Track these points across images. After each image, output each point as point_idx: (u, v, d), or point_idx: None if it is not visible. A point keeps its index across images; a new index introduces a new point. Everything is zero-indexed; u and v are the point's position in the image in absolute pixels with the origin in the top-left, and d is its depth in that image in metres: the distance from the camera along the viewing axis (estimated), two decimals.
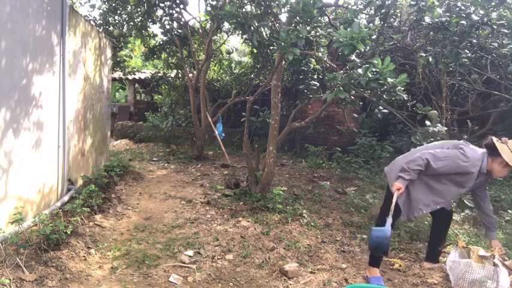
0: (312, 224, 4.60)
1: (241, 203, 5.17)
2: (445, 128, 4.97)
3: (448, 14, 4.65)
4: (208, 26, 8.26)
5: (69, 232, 3.50)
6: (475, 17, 4.53)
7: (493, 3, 4.66)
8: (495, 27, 4.79)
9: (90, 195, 4.50)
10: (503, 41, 5.94)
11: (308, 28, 4.69)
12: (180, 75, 10.64)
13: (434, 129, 4.73)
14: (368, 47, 4.45)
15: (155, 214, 4.87)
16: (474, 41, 5.49)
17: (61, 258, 3.26)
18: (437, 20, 4.55)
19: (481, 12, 4.72)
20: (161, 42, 9.80)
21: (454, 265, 3.13)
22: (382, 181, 6.61)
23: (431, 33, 4.93)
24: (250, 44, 8.53)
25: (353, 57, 5.05)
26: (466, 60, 4.76)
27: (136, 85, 14.32)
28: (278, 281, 3.36)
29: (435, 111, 5.35)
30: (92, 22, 7.71)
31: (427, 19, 4.62)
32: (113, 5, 8.73)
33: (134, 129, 11.34)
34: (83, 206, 4.16)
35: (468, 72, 6.51)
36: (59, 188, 4.63)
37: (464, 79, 6.76)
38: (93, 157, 5.96)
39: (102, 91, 6.31)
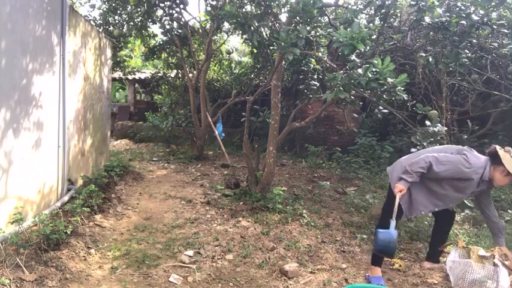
0: (312, 224, 4.60)
1: (241, 203, 5.17)
2: (445, 128, 4.97)
3: (448, 14, 4.65)
4: (208, 26, 8.26)
5: (69, 232, 3.50)
6: (475, 17, 4.53)
7: (493, 3, 4.66)
8: (495, 27, 4.78)
9: (90, 195, 4.50)
10: (503, 41, 5.93)
11: (308, 28, 4.69)
12: (180, 75, 10.64)
13: (434, 129, 4.73)
14: (368, 47, 4.45)
15: (155, 214, 4.87)
16: (474, 41, 5.49)
17: (61, 258, 3.26)
18: (437, 20, 4.54)
19: (481, 12, 4.72)
20: (161, 42, 9.80)
21: (454, 265, 3.13)
22: (382, 181, 6.61)
23: (431, 33, 4.93)
24: (250, 44, 8.54)
25: (353, 57, 5.05)
26: (466, 60, 4.75)
27: (136, 85, 14.31)
28: (278, 281, 3.36)
29: (435, 111, 5.36)
30: (92, 22, 7.71)
31: (427, 19, 4.62)
32: (113, 5, 8.73)
33: (134, 129, 11.34)
34: (83, 206, 4.16)
35: (468, 72, 6.51)
36: (59, 188, 4.63)
37: (464, 79, 6.76)
38: (93, 157, 5.96)
39: (102, 91, 6.31)
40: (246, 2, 5.29)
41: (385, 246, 2.97)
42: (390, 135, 8.35)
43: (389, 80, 3.83)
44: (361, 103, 7.73)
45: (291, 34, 4.04)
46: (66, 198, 4.67)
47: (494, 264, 3.01)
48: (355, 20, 4.04)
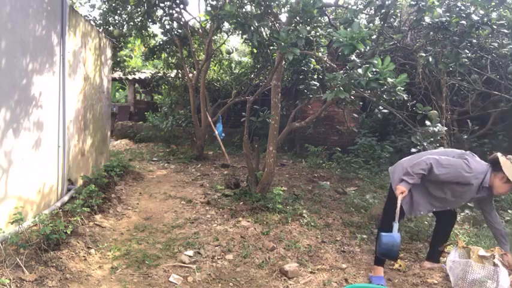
0: (312, 224, 4.60)
1: (241, 203, 5.17)
2: (445, 128, 4.97)
3: (448, 14, 4.65)
4: (208, 26, 8.26)
5: (69, 232, 3.50)
6: (475, 17, 4.52)
7: (493, 3, 4.66)
8: (495, 27, 4.78)
9: (90, 195, 4.50)
10: (503, 41, 5.93)
11: (308, 28, 4.69)
12: (180, 75, 10.64)
13: (434, 129, 4.73)
14: (368, 47, 4.45)
15: (155, 214, 4.87)
16: (474, 41, 5.48)
17: (61, 258, 3.26)
18: (437, 20, 4.54)
19: (481, 12, 4.71)
20: (161, 42, 9.79)
21: (454, 265, 3.13)
22: (382, 181, 6.61)
23: (431, 33, 4.93)
24: (250, 44, 8.53)
25: (353, 57, 5.05)
26: (466, 60, 4.75)
27: (136, 85, 14.31)
28: (278, 281, 3.36)
29: (435, 111, 5.36)
30: (92, 22, 7.71)
31: (427, 19, 4.62)
32: (113, 5, 8.73)
33: (134, 129, 11.34)
34: (83, 206, 4.16)
35: (468, 72, 6.51)
36: (59, 188, 4.63)
37: (464, 79, 6.75)
38: (93, 157, 5.96)
39: (102, 91, 6.31)
40: (246, 2, 5.29)
41: (388, 250, 2.96)
42: (390, 135, 8.35)
43: (390, 80, 3.83)
44: (361, 103, 7.74)
45: (291, 34, 4.04)
46: (66, 198, 4.67)
47: (494, 264, 3.00)
48: (355, 20, 4.04)
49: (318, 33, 5.79)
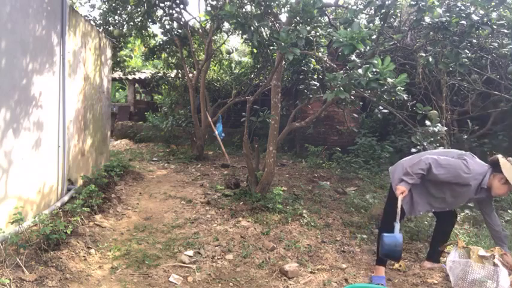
0: (312, 224, 4.60)
1: (241, 203, 5.17)
2: (445, 128, 4.97)
3: (448, 14, 4.65)
4: (208, 26, 8.26)
5: (69, 232, 3.50)
6: (475, 17, 4.52)
7: (493, 3, 4.66)
8: (495, 27, 4.78)
9: (90, 195, 4.50)
10: (503, 41, 5.93)
11: (308, 28, 4.69)
12: (180, 75, 10.64)
13: (434, 129, 4.73)
14: (368, 47, 4.45)
15: (155, 214, 4.87)
16: (474, 41, 5.48)
17: (61, 258, 3.26)
18: (437, 20, 4.54)
19: (481, 12, 4.71)
20: (161, 42, 9.79)
21: (454, 265, 3.13)
22: (382, 181, 6.61)
23: (431, 33, 4.93)
24: (250, 44, 8.53)
25: (353, 57, 5.05)
26: (466, 60, 4.75)
27: (136, 85, 14.31)
28: (278, 281, 3.36)
29: (435, 111, 5.36)
30: (92, 22, 7.71)
31: (427, 19, 4.62)
32: (113, 5, 8.72)
33: (134, 129, 11.34)
34: (83, 206, 4.16)
35: (468, 72, 6.51)
36: (59, 188, 4.63)
37: (464, 79, 6.75)
38: (93, 157, 5.96)
39: (102, 91, 6.31)
40: (246, 2, 5.29)
41: (391, 251, 2.96)
42: (390, 135, 8.35)
43: (390, 80, 3.83)
44: (361, 103, 7.74)
45: (291, 34, 4.04)
46: (66, 198, 4.67)
47: (494, 264, 3.00)
48: (355, 20, 4.04)
49: (318, 33, 5.79)
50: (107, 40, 6.51)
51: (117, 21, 9.18)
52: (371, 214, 4.89)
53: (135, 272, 3.36)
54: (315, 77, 6.96)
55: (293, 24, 4.69)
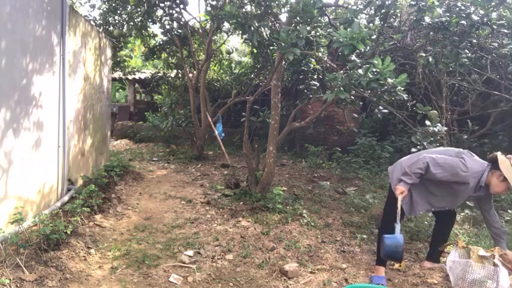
0: (312, 224, 4.60)
1: (241, 203, 5.17)
2: (445, 128, 4.97)
3: (448, 14, 4.65)
4: (208, 26, 8.26)
5: (69, 232, 3.50)
6: (475, 17, 4.52)
7: (493, 3, 4.66)
8: (495, 27, 4.78)
9: (90, 195, 4.50)
10: (503, 41, 5.93)
11: (308, 28, 4.69)
12: (180, 75, 10.64)
13: (434, 129, 4.73)
14: (368, 47, 4.45)
15: (155, 214, 4.87)
16: (474, 41, 5.48)
17: (61, 258, 3.26)
18: (437, 20, 4.54)
19: (481, 12, 4.71)
20: (161, 42, 9.79)
21: (454, 265, 3.13)
22: (382, 181, 6.61)
23: (431, 33, 4.93)
24: (250, 44, 8.53)
25: (353, 57, 5.05)
26: (466, 60, 4.75)
27: (136, 85, 14.31)
28: (278, 281, 3.36)
29: (435, 111, 5.36)
30: (92, 22, 7.71)
31: (427, 19, 4.62)
32: (113, 5, 8.72)
33: (134, 129, 11.34)
34: (83, 206, 4.16)
35: (468, 72, 6.51)
36: (59, 188, 4.63)
37: (464, 79, 6.75)
38: (93, 157, 5.96)
39: (102, 91, 6.31)
40: (246, 2, 5.29)
41: (392, 252, 2.94)
42: (390, 135, 8.35)
43: (390, 80, 3.83)
44: (361, 103, 7.74)
45: (291, 34, 4.04)
46: (66, 198, 4.67)
47: (494, 264, 3.00)
48: (355, 20, 4.04)
49: (318, 33, 5.78)
50: (107, 40, 6.51)
51: (117, 21, 9.18)
52: (371, 214, 4.89)
53: (135, 272, 3.36)
54: (315, 77, 6.96)
55: (293, 24, 4.69)
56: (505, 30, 5.44)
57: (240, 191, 5.54)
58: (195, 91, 8.47)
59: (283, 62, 5.67)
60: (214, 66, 11.22)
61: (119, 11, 8.92)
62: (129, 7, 8.65)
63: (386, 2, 4.49)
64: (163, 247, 3.88)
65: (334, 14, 7.29)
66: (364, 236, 4.33)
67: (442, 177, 3.12)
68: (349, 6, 6.20)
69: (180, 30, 8.57)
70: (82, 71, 5.33)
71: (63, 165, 4.71)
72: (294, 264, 3.56)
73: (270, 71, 7.20)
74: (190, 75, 8.81)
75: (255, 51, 8.96)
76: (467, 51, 4.87)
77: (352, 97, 5.56)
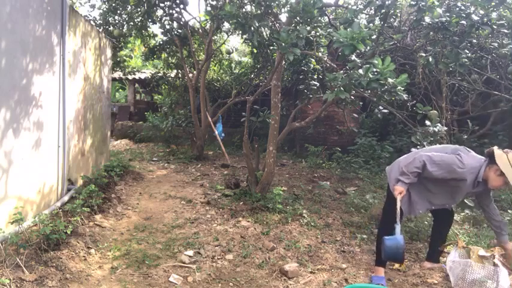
0: (312, 224, 4.60)
1: (241, 203, 5.17)
2: (445, 128, 4.97)
3: (448, 14, 4.65)
4: (208, 26, 8.26)
5: (69, 232, 3.50)
6: (475, 17, 4.52)
7: (493, 3, 4.66)
8: (495, 27, 4.78)
9: (90, 195, 4.50)
10: (503, 41, 5.93)
11: (308, 28, 4.69)
12: (180, 75, 10.64)
13: (434, 129, 4.73)
14: (368, 47, 4.45)
15: (155, 214, 4.87)
16: (474, 41, 5.49)
17: (61, 258, 3.25)
18: (437, 20, 4.54)
19: (481, 12, 4.72)
20: (161, 42, 9.79)
21: (454, 265, 3.13)
22: (382, 181, 6.61)
23: (431, 33, 4.93)
24: (250, 44, 8.54)
25: (353, 57, 5.05)
26: (466, 60, 4.75)
27: (136, 85, 14.31)
28: (278, 281, 3.36)
29: (435, 111, 5.36)
30: (92, 22, 7.71)
31: (427, 19, 4.62)
32: (113, 5, 8.73)
33: (134, 129, 11.34)
34: (83, 206, 4.16)
35: (468, 72, 6.51)
36: (59, 188, 4.63)
37: (464, 79, 6.76)
38: (93, 157, 5.96)
39: (102, 91, 6.31)
40: (246, 2, 5.29)
41: (393, 253, 2.94)
42: (390, 135, 8.35)
43: (390, 80, 3.83)
44: (361, 103, 7.74)
45: (291, 34, 4.04)
46: (66, 198, 4.67)
47: (494, 264, 3.00)
48: (355, 20, 4.04)
49: (318, 33, 5.78)
50: (107, 40, 6.51)
51: (117, 21, 9.18)
52: (371, 214, 4.89)
53: (135, 272, 3.36)
54: (315, 77, 6.96)
55: (293, 24, 4.69)
56: (505, 30, 5.44)
57: (240, 191, 5.54)
58: (195, 91, 8.47)
59: (283, 62, 5.67)
60: (214, 66, 11.22)
61: (119, 11, 8.92)
62: (129, 7, 8.65)
63: (386, 2, 4.49)
64: (163, 247, 3.88)
65: (334, 14, 7.30)
66: (364, 236, 4.33)
67: (439, 174, 3.11)
68: (349, 6, 6.20)
69: (180, 30, 8.57)
70: (82, 71, 5.33)
71: (63, 165, 4.71)
72: (294, 264, 3.56)
73: (270, 71, 7.20)
74: (190, 75, 8.81)
75: (255, 51, 8.97)
76: (467, 51, 4.87)
77: (352, 97, 5.56)
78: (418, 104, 4.93)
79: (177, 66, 10.32)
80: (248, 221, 4.58)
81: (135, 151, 9.63)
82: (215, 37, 9.51)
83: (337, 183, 6.76)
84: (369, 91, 4.83)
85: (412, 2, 4.54)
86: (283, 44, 4.02)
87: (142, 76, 12.66)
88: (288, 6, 5.12)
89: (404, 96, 4.18)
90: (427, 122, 4.89)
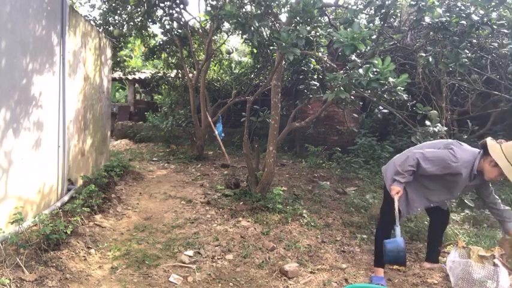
0: (312, 224, 4.60)
1: (241, 203, 5.17)
2: (445, 128, 4.97)
3: (448, 14, 4.65)
4: (208, 26, 8.26)
5: (69, 232, 3.50)
6: (475, 17, 4.52)
7: (493, 3, 4.66)
8: (495, 27, 4.78)
9: (90, 195, 4.50)
10: (503, 41, 5.93)
11: (308, 28, 4.69)
12: (180, 75, 10.64)
13: (434, 129, 4.72)
14: (368, 47, 4.45)
15: (155, 214, 4.87)
16: (474, 41, 5.49)
17: (61, 258, 3.25)
18: (437, 20, 4.54)
19: (481, 12, 4.72)
20: (161, 42, 9.79)
21: (454, 265, 3.13)
22: (382, 181, 6.55)
23: (431, 33, 4.93)
24: (250, 44, 8.53)
25: (353, 57, 5.05)
26: (466, 60, 4.75)
27: (136, 85, 14.31)
28: (278, 281, 3.36)
29: (435, 111, 5.35)
30: (92, 22, 7.71)
31: (427, 19, 4.62)
32: (113, 5, 8.73)
33: (134, 129, 11.34)
34: (83, 206, 4.16)
35: (468, 72, 6.51)
36: (59, 188, 4.63)
37: (464, 79, 6.75)
38: (93, 157, 5.96)
39: (102, 91, 6.31)
40: (246, 2, 5.29)
41: (395, 256, 2.92)
42: (390, 135, 8.35)
43: (391, 79, 3.82)
44: (361, 103, 7.74)
45: (291, 34, 4.04)
46: (66, 198, 4.67)
47: (494, 264, 3.01)
48: (355, 20, 4.04)
49: (318, 33, 5.78)
50: (107, 40, 6.51)
51: (117, 21, 9.18)
52: (371, 214, 4.89)
53: (135, 272, 3.36)
54: (315, 77, 6.96)
55: (293, 24, 4.69)
56: (505, 30, 5.44)
57: (240, 191, 5.54)
58: (195, 91, 8.47)
59: (283, 62, 5.67)
60: (214, 66, 11.22)
61: (119, 11, 8.92)
62: (129, 7, 8.65)
63: (386, 2, 4.49)
64: (163, 247, 3.88)
65: (334, 14, 7.30)
66: (364, 236, 4.33)
67: (434, 171, 3.09)
68: (349, 6, 6.20)
69: (180, 30, 8.57)
70: (82, 71, 5.33)
71: (63, 165, 4.71)
72: (294, 264, 3.56)
73: (270, 71, 7.20)
74: (190, 75, 8.81)
75: (255, 51, 8.96)
76: (467, 51, 4.87)
77: (352, 97, 5.55)
78: (418, 104, 4.93)
79: (177, 66, 10.32)
80: (248, 221, 4.58)
81: (135, 151, 9.63)
82: (215, 37, 9.51)
83: (337, 183, 6.76)
84: (369, 91, 4.82)
85: (412, 2, 4.54)
86: (283, 44, 4.02)
87: (142, 76, 12.66)
88: (288, 6, 5.12)
89: (404, 96, 4.18)
90: (427, 122, 4.89)
